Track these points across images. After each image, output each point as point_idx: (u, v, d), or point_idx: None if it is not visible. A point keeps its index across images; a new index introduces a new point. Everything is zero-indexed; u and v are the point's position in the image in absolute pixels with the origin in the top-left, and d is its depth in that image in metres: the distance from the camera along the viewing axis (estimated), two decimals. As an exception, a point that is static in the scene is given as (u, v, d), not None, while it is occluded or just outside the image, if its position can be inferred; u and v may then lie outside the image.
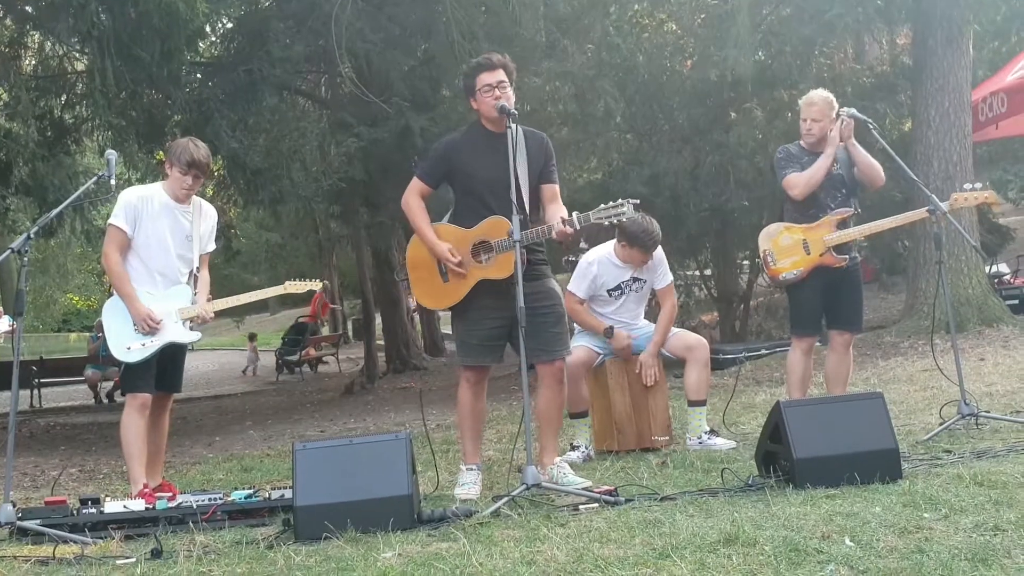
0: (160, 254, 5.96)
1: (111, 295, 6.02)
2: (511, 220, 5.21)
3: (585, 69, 13.02)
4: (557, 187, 5.71)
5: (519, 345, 5.21)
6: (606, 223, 5.44)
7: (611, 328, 6.84)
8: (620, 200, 5.30)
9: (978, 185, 6.75)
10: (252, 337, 27.50)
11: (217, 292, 6.42)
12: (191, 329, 6.04)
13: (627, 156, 13.48)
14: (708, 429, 6.81)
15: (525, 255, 5.31)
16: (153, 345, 5.87)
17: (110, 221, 5.98)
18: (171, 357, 6.07)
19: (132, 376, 5.96)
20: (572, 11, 14.03)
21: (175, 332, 5.95)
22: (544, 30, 13.11)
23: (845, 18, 12.63)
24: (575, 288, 6.91)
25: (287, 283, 6.38)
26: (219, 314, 6.34)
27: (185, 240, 6.05)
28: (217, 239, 6.39)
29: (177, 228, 6.01)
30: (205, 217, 6.21)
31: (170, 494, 5.42)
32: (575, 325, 7.12)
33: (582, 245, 10.59)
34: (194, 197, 6.15)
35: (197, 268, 6.13)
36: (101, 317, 6.18)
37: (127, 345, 5.85)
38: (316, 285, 6.50)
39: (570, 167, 14.56)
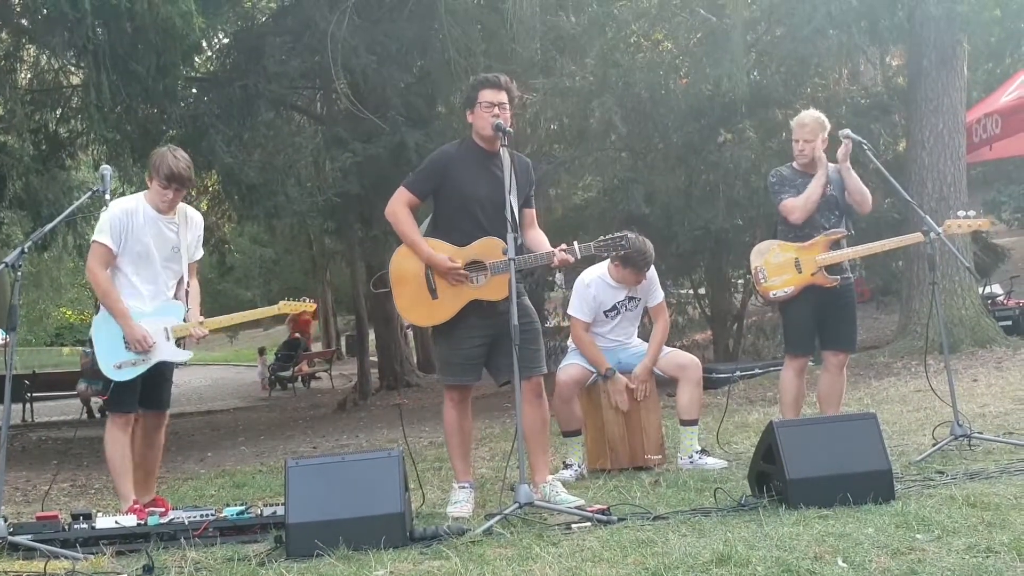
0: (147, 268, 5.81)
1: (98, 310, 5.84)
2: (505, 240, 5.21)
3: (584, 86, 13.04)
4: (535, 212, 5.77)
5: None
6: (604, 255, 5.47)
7: (612, 370, 6.83)
8: (623, 232, 5.34)
9: (971, 213, 6.78)
10: (262, 351, 27.46)
11: (210, 307, 6.35)
12: (183, 347, 5.91)
13: (622, 174, 13.49)
14: (699, 448, 6.80)
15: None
16: (144, 364, 5.73)
17: (94, 237, 5.82)
18: (160, 373, 5.92)
19: (118, 394, 5.80)
20: (569, 30, 14.08)
21: (166, 351, 5.80)
22: (541, 48, 13.16)
23: (832, 39, 12.69)
24: (578, 313, 6.89)
25: (281, 303, 6.29)
26: (212, 330, 6.26)
27: (172, 252, 5.90)
28: (211, 254, 6.33)
29: (163, 240, 5.86)
30: (192, 225, 6.04)
31: (162, 510, 5.39)
32: (569, 343, 7.13)
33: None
34: (179, 205, 5.97)
35: (187, 279, 6.01)
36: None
37: (116, 363, 5.70)
38: (310, 307, 6.37)
39: (565, 185, 14.58)
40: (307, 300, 6.35)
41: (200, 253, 6.17)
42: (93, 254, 5.82)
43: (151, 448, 6.06)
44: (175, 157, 5.81)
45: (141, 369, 5.73)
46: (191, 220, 6.04)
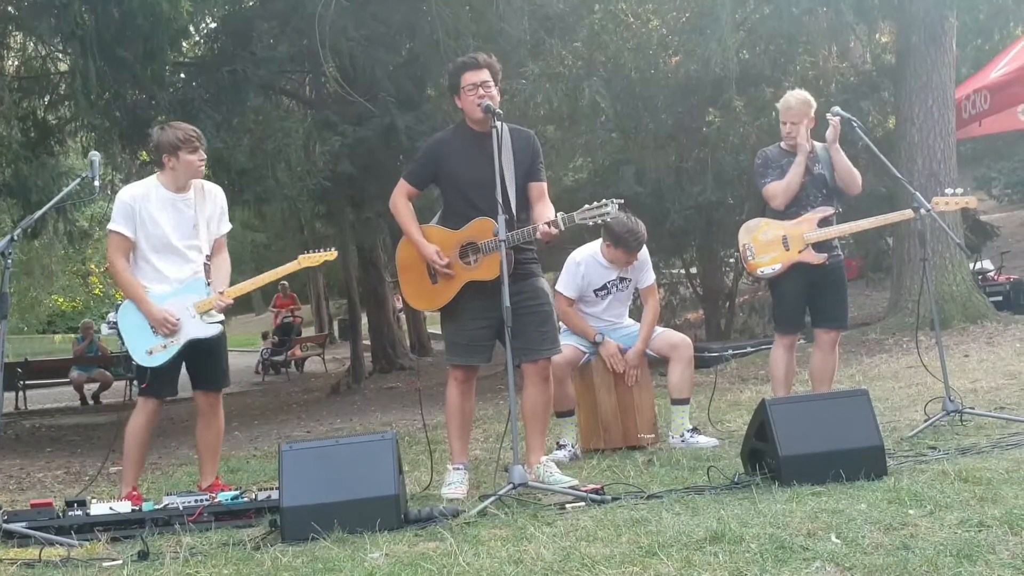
0: (167, 251, 5.74)
1: (121, 302, 5.79)
2: (497, 220, 5.21)
3: (573, 68, 13.02)
4: (544, 185, 5.72)
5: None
6: (590, 223, 5.46)
7: (601, 335, 6.84)
8: (604, 200, 5.32)
9: (959, 190, 6.79)
10: (265, 336, 27.38)
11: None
12: (210, 322, 5.79)
13: (612, 155, 13.48)
14: (691, 427, 6.82)
15: (513, 255, 5.32)
16: (174, 345, 5.69)
17: (109, 227, 5.77)
18: (205, 353, 5.85)
19: (155, 379, 5.76)
20: (558, 9, 14.05)
21: (194, 328, 5.73)
22: (529, 29, 13.12)
23: (820, 16, 12.67)
24: (564, 289, 6.91)
25: (301, 257, 6.09)
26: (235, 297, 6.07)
27: (192, 230, 5.81)
28: None
29: (180, 220, 5.78)
30: (210, 198, 5.94)
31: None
32: (561, 324, 7.13)
33: None
34: (195, 180, 5.90)
35: (209, 255, 5.90)
36: (116, 321, 5.87)
37: (148, 349, 5.66)
38: (331, 255, 6.16)
39: (557, 166, 14.56)
40: (328, 250, 6.20)
41: (226, 227, 6.07)
42: (109, 244, 5.80)
43: (208, 429, 6.05)
44: (180, 125, 5.84)
45: (173, 351, 5.70)
46: (209, 194, 5.96)
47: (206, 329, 5.79)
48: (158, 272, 5.75)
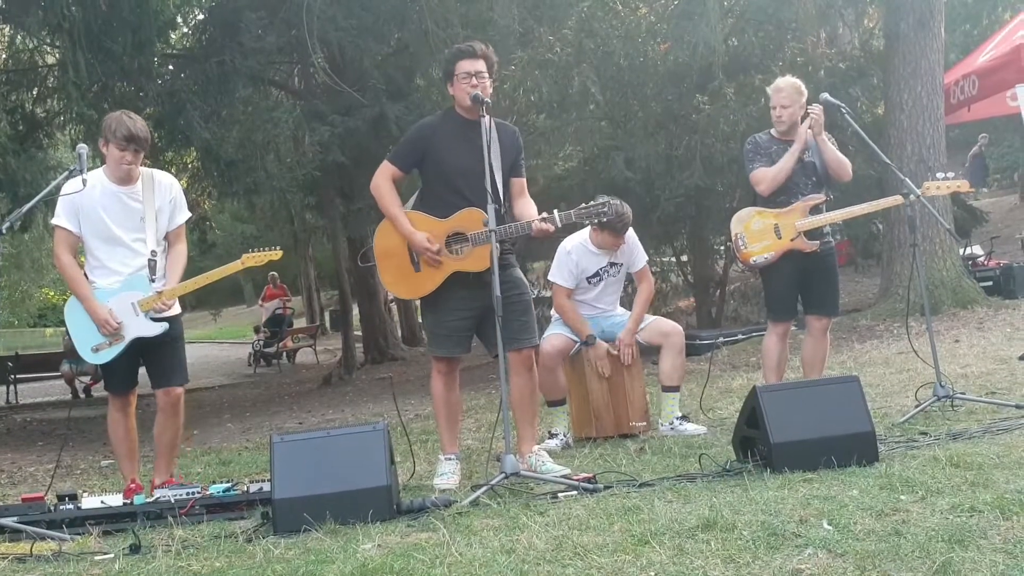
0: (113, 244, 5.62)
1: (70, 296, 5.71)
2: (487, 211, 5.20)
3: (562, 55, 13.00)
4: (524, 181, 5.73)
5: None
6: (586, 222, 5.48)
7: (592, 336, 6.83)
8: (603, 199, 5.33)
9: (950, 175, 6.78)
10: (257, 330, 27.36)
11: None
12: (156, 318, 5.64)
13: (602, 143, 13.46)
14: (680, 415, 6.83)
15: (498, 246, 5.32)
16: (120, 343, 5.60)
17: (52, 221, 5.68)
18: (159, 349, 5.72)
19: (107, 376, 5.80)
20: (547, -2, 14.05)
21: (139, 327, 5.61)
22: (519, 17, 13.10)
23: (809, 1, 12.66)
24: (560, 279, 6.89)
25: (244, 256, 5.93)
26: (195, 307, 6.14)
27: (139, 223, 5.64)
28: (192, 231, 6.15)
29: (125, 213, 5.63)
30: (160, 190, 5.73)
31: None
32: (553, 313, 7.13)
33: None
34: (144, 171, 5.74)
35: (164, 247, 5.75)
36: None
37: (93, 346, 5.61)
38: (275, 255, 5.98)
39: (546, 155, 14.55)
40: (272, 249, 6.00)
41: (182, 217, 5.90)
42: (55, 238, 5.71)
43: (165, 429, 5.85)
44: (130, 118, 5.61)
45: (118, 349, 5.62)
46: (159, 185, 5.77)
47: (151, 328, 5.64)
48: (105, 266, 5.66)
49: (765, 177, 6.62)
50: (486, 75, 5.50)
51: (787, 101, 6.65)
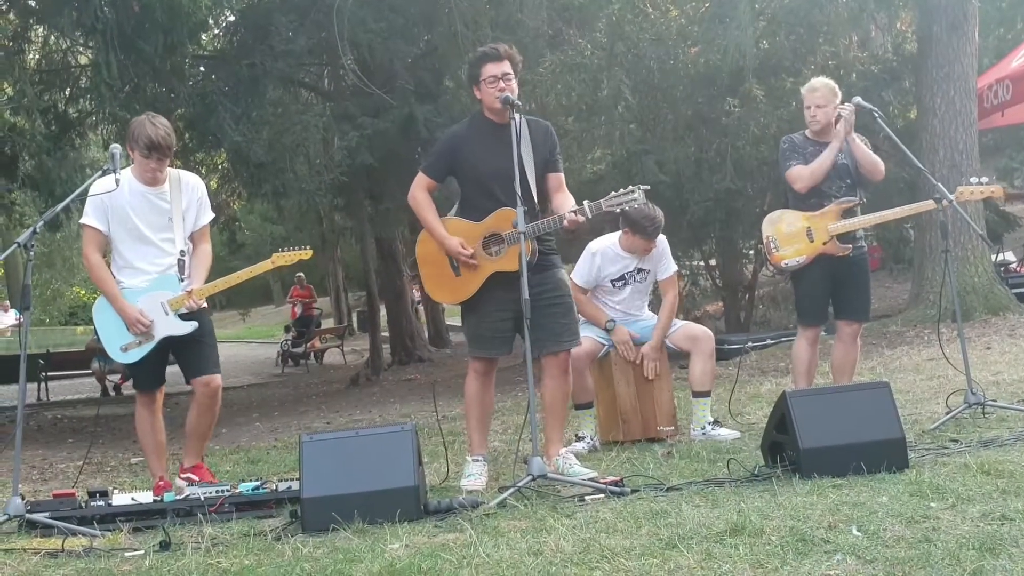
0: (142, 244, 5.67)
1: (99, 296, 5.77)
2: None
3: (594, 59, 12.99)
4: (562, 175, 5.71)
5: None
6: (617, 210, 5.45)
7: (612, 321, 6.84)
8: (631, 187, 5.31)
9: (984, 179, 6.73)
10: (287, 329, 27.49)
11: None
12: (184, 319, 5.69)
13: (632, 146, 13.44)
14: (712, 420, 6.80)
15: (536, 246, 5.31)
16: (149, 342, 5.65)
17: (81, 221, 5.73)
18: (189, 345, 5.76)
19: (136, 374, 5.88)
20: (576, 0, 14.03)
21: (168, 326, 5.66)
22: (548, 19, 13.10)
23: (841, 4, 12.59)
24: (577, 278, 6.90)
25: (275, 256, 6.01)
26: (224, 306, 6.17)
27: (167, 223, 5.70)
28: (221, 231, 6.22)
29: (154, 213, 5.68)
30: (187, 190, 5.80)
31: (196, 478, 5.47)
32: (579, 316, 7.12)
33: None
34: (171, 171, 5.79)
35: (184, 249, 5.79)
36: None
37: (122, 346, 5.66)
38: (305, 254, 6.07)
39: (576, 158, 14.55)
40: (302, 248, 6.08)
41: (207, 217, 5.96)
42: (84, 238, 5.77)
43: (199, 419, 5.90)
44: (153, 125, 5.57)
45: (148, 348, 5.67)
46: (186, 185, 5.83)
47: (181, 327, 5.70)
48: (133, 265, 5.71)
49: (802, 174, 6.57)
50: (512, 76, 5.49)
51: (822, 101, 6.62)
